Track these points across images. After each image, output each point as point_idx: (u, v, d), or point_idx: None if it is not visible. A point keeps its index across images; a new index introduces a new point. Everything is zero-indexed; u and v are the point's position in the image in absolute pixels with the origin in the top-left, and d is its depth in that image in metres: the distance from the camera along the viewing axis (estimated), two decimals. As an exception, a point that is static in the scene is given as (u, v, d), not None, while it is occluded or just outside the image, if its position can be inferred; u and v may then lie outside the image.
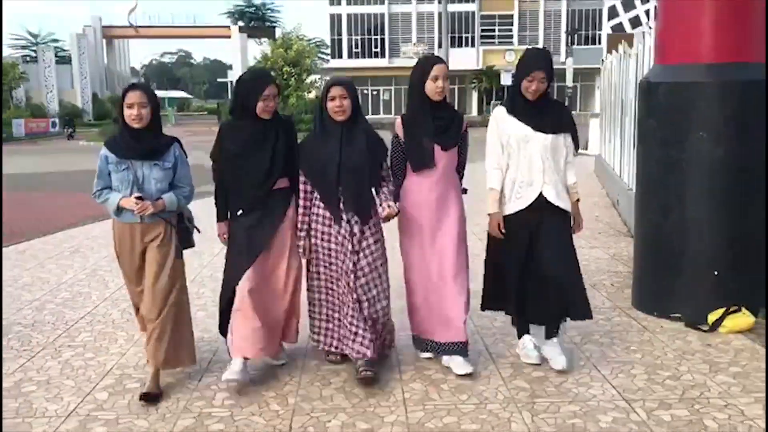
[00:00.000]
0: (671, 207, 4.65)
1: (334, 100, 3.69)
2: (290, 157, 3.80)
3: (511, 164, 3.82)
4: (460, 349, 3.85)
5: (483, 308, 4.15)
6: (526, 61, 3.73)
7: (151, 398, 3.59)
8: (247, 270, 3.70)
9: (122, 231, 3.67)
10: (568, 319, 3.99)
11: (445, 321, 3.86)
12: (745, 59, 4.54)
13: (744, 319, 4.44)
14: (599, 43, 48.28)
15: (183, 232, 3.78)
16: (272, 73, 29.72)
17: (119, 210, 3.61)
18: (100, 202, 3.72)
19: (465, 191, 4.06)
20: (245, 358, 3.73)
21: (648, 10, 55.55)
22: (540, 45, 49.65)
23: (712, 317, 4.48)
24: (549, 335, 3.91)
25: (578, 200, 3.90)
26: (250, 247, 3.72)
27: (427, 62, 3.82)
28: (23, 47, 64.97)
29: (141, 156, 3.61)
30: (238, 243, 3.77)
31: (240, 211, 3.78)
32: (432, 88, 3.76)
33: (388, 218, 3.80)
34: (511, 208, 3.84)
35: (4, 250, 7.50)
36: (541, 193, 3.77)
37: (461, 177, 4.05)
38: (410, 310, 4.06)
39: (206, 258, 6.59)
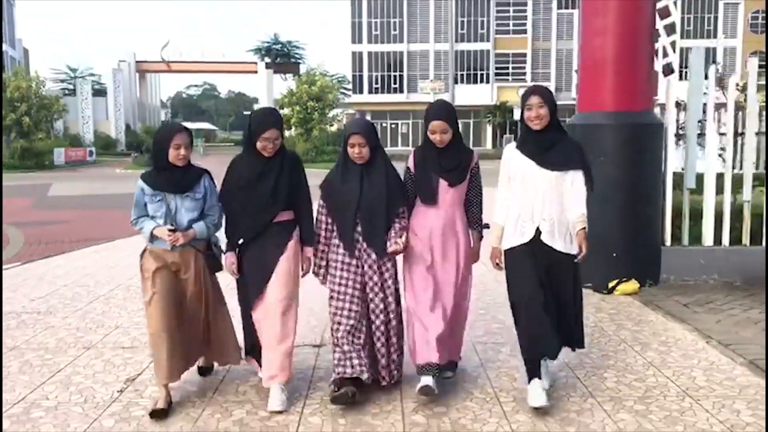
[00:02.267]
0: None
1: (354, 147, 3.83)
2: (294, 192, 3.92)
3: (516, 199, 3.86)
4: (435, 369, 3.87)
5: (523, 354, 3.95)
6: (524, 94, 3.81)
7: (204, 371, 4.26)
8: (256, 300, 3.88)
9: (155, 254, 3.87)
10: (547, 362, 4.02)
11: (428, 342, 3.88)
12: (634, 108, 6.59)
13: (631, 285, 6.44)
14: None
15: (210, 258, 3.97)
16: (290, 109, 32.33)
17: (152, 237, 3.84)
18: (137, 229, 3.96)
19: (487, 226, 4.09)
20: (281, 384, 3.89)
21: (657, 50, 57.84)
22: (552, 82, 51.87)
23: (610, 284, 6.49)
24: (532, 376, 3.82)
25: (584, 228, 3.73)
26: (257, 276, 3.89)
27: (428, 116, 3.92)
28: (62, 81, 68.32)
29: (173, 189, 3.83)
30: (248, 269, 3.95)
31: (240, 241, 3.96)
32: (432, 139, 3.90)
33: (394, 254, 3.91)
34: (511, 242, 3.88)
35: (83, 250, 9.52)
36: (538, 228, 3.80)
37: (479, 212, 4.08)
38: (412, 336, 4.03)
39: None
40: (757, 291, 6.44)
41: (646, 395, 3.99)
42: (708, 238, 6.95)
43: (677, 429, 3.55)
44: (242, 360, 4.23)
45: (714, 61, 50.71)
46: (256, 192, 3.84)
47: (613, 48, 6.55)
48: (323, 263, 4.01)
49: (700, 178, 7.02)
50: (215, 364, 4.30)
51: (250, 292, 3.91)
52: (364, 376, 3.83)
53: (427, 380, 3.83)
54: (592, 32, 6.74)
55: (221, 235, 4.06)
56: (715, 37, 51.46)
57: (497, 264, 3.99)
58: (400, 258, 4.02)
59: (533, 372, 3.79)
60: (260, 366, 4.04)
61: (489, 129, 53.64)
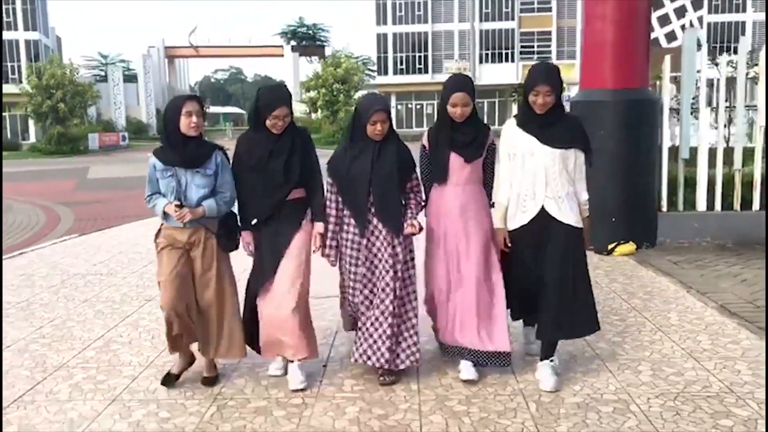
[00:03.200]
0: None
1: (376, 125, 3.73)
2: (305, 169, 3.85)
3: (516, 177, 3.78)
4: (498, 359, 3.81)
5: (513, 319, 4.17)
6: (532, 75, 3.67)
7: (210, 381, 3.94)
8: (269, 280, 3.82)
9: (168, 231, 3.82)
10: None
11: (473, 326, 3.82)
12: (632, 86, 7.20)
13: (628, 247, 7.10)
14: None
15: (222, 237, 3.85)
16: (316, 92, 33.14)
17: (165, 214, 3.77)
18: (149, 207, 3.90)
19: (492, 205, 4.01)
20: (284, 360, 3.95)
21: (683, 24, 57.44)
22: (577, 60, 51.84)
23: (609, 246, 7.15)
24: (544, 356, 3.83)
25: (588, 217, 3.81)
26: (271, 256, 3.84)
27: (448, 88, 3.81)
28: (93, 67, 69.83)
29: (184, 164, 3.73)
30: (260, 252, 3.91)
31: (254, 221, 3.88)
32: (451, 112, 3.79)
33: (410, 235, 3.82)
34: (515, 223, 3.81)
35: (131, 223, 10.37)
36: (543, 208, 3.72)
37: (489, 190, 4.03)
38: (432, 313, 4.08)
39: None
40: (746, 251, 7.06)
41: (624, 331, 4.69)
42: (701, 204, 7.57)
43: (645, 354, 4.25)
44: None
45: (743, 34, 50.40)
46: (268, 171, 3.78)
47: (612, 31, 7.15)
48: (333, 243, 3.91)
49: (695, 149, 7.64)
50: (218, 372, 4.08)
51: (263, 272, 3.86)
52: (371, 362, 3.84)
53: (468, 373, 3.81)
54: (593, 16, 7.34)
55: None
56: (744, 11, 50.96)
57: (505, 244, 3.87)
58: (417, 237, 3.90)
59: (547, 351, 3.82)
60: (258, 351, 4.05)
61: (514, 108, 53.77)
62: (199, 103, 3.73)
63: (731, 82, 7.97)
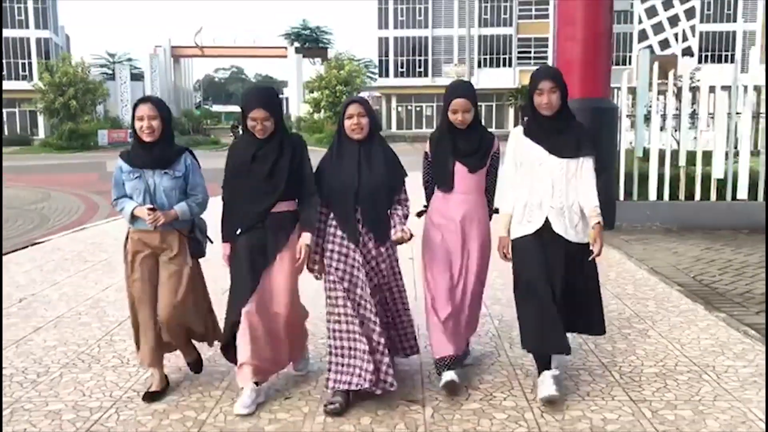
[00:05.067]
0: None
1: (352, 118, 3.57)
2: (295, 179, 3.60)
3: (524, 187, 3.68)
4: (457, 361, 3.81)
5: (524, 346, 3.77)
6: (533, 76, 3.63)
7: (157, 396, 3.71)
8: (252, 293, 3.54)
9: (137, 236, 3.67)
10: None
11: (445, 335, 3.80)
12: (595, 95, 8.72)
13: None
14: (629, 63, 51.60)
15: (193, 241, 3.74)
16: (320, 93, 34.19)
17: (133, 218, 3.63)
18: (117, 210, 3.76)
19: (496, 211, 3.90)
20: (256, 384, 3.59)
21: (677, 33, 59.33)
22: (572, 66, 53.39)
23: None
24: (542, 368, 3.68)
25: (599, 223, 3.59)
26: (253, 269, 3.56)
27: (448, 94, 3.72)
28: (102, 66, 71.21)
29: (151, 165, 3.61)
30: (240, 265, 3.60)
31: (238, 231, 3.63)
32: (452, 119, 3.71)
33: (399, 242, 3.63)
34: (520, 231, 3.69)
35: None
36: (547, 219, 3.60)
37: (491, 197, 3.93)
38: (430, 329, 3.90)
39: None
40: (686, 233, 8.62)
41: (572, 283, 6.21)
42: (652, 194, 9.11)
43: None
44: (215, 347, 4.06)
45: (733, 43, 52.07)
46: (251, 176, 3.57)
47: (579, 50, 8.69)
48: (317, 257, 3.71)
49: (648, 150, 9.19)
50: (202, 360, 4.04)
51: (243, 286, 3.57)
52: (365, 385, 3.51)
53: (449, 375, 3.71)
54: (564, 37, 8.89)
55: (208, 220, 3.90)
56: (735, 21, 52.56)
57: (505, 255, 3.78)
58: (402, 247, 3.79)
59: (543, 366, 3.67)
60: (236, 362, 3.67)
61: (511, 112, 55.30)
62: (154, 105, 3.59)
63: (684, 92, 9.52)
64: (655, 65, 9.26)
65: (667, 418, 3.42)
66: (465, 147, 3.78)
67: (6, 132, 47.90)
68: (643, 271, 6.65)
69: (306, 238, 3.61)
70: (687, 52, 56.53)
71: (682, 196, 9.15)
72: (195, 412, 3.57)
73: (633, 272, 6.59)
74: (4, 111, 50.37)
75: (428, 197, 3.96)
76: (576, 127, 3.70)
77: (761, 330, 4.79)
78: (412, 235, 3.63)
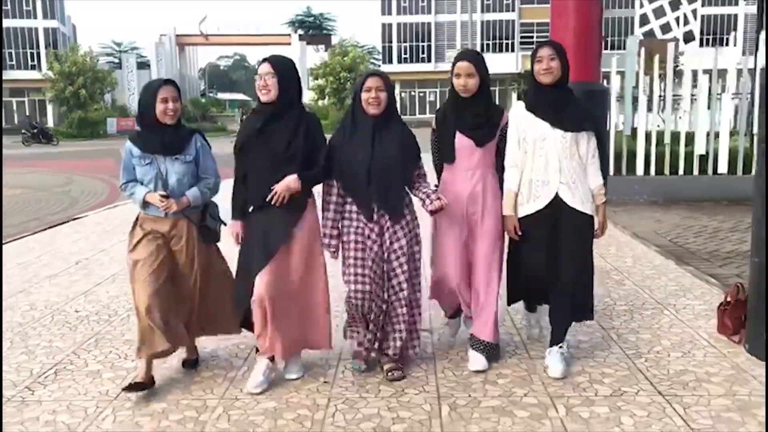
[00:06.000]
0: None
1: (370, 91, 3.47)
2: (310, 158, 3.52)
3: (528, 163, 3.64)
4: (487, 349, 3.75)
5: (509, 303, 4.02)
6: (535, 49, 3.62)
7: (190, 363, 3.82)
8: (265, 268, 3.44)
9: (147, 222, 3.63)
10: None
11: (478, 310, 3.78)
12: (587, 79, 9.46)
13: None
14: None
15: (204, 229, 3.67)
16: (324, 80, 35.01)
17: (145, 204, 3.59)
18: (126, 195, 3.71)
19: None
20: (271, 360, 3.59)
21: (678, 17, 59.70)
22: (574, 50, 53.87)
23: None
24: (554, 342, 3.74)
25: (604, 202, 3.69)
26: (266, 245, 3.46)
27: (455, 60, 3.66)
28: (108, 54, 71.87)
29: (163, 151, 3.57)
30: (252, 241, 3.53)
31: (251, 208, 3.57)
32: (456, 84, 3.63)
33: (436, 211, 3.55)
34: (527, 209, 3.66)
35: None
36: (557, 194, 3.58)
37: (502, 174, 3.78)
38: (436, 289, 3.95)
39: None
40: (670, 205, 9.40)
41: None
42: (640, 170, 9.88)
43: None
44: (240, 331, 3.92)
45: (735, 29, 52.49)
46: (268, 148, 3.47)
47: (573, 38, 9.40)
48: (335, 233, 3.63)
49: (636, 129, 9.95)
50: (198, 357, 3.93)
51: (255, 263, 3.48)
52: (372, 355, 3.70)
53: (478, 359, 3.74)
54: (557, 28, 9.61)
55: (220, 203, 3.81)
56: (736, 4, 52.96)
57: (516, 233, 3.71)
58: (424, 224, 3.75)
59: (558, 337, 3.74)
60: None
61: (514, 96, 55.77)
62: (175, 88, 3.58)
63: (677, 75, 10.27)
64: (642, 50, 9.99)
65: (629, 339, 4.23)
66: (471, 118, 3.68)
67: (15, 121, 48.69)
68: (627, 235, 7.43)
69: (292, 179, 3.44)
70: (688, 35, 57.18)
71: (667, 171, 9.91)
72: (196, 412, 3.34)
73: (617, 237, 7.37)
74: (14, 100, 51.29)
75: (438, 173, 3.89)
76: (576, 101, 3.71)
77: (721, 278, 5.60)
78: (446, 203, 3.56)
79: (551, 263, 3.64)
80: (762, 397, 3.39)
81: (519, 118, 3.68)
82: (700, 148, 9.78)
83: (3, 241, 7.64)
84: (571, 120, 3.59)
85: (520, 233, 3.69)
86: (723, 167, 9.74)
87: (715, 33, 53.59)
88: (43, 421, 3.29)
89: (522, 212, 3.70)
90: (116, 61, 66.11)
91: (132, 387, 3.46)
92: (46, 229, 8.68)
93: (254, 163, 3.52)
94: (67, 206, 11.92)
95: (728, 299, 4.28)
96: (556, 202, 3.60)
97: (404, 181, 3.61)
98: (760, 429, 3.08)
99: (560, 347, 3.75)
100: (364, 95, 3.51)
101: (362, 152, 3.51)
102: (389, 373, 3.62)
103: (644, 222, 8.25)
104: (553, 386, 3.55)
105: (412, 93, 55.84)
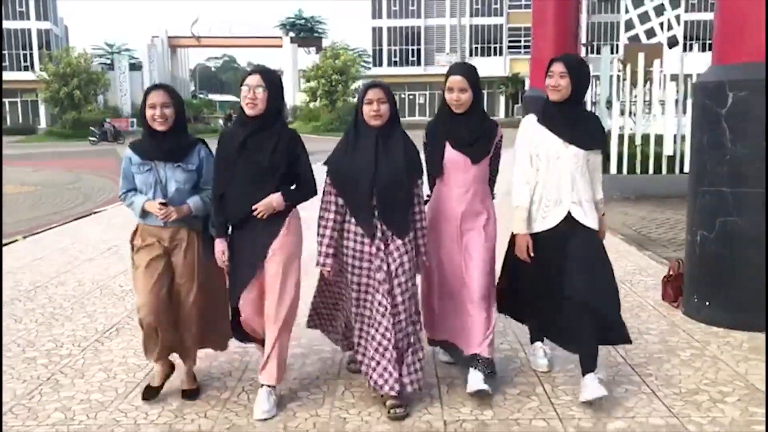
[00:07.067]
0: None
1: (372, 103, 3.35)
2: (290, 171, 3.43)
3: (539, 180, 3.54)
4: (483, 364, 3.50)
5: (499, 311, 3.81)
6: (549, 61, 3.57)
7: (190, 394, 3.62)
8: (244, 292, 3.42)
9: (147, 231, 3.53)
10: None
11: (468, 333, 3.58)
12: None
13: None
14: (617, 52, 53.05)
15: (207, 241, 3.54)
16: (316, 82, 35.89)
17: (144, 213, 3.48)
18: (126, 205, 3.62)
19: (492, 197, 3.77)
20: (271, 387, 3.48)
21: (662, 23, 60.97)
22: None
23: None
24: (586, 370, 3.41)
25: (603, 214, 3.69)
26: (250, 263, 3.41)
27: (447, 74, 3.58)
28: (100, 56, 72.34)
29: (163, 157, 3.45)
30: (238, 259, 3.46)
31: (229, 228, 3.48)
32: (448, 99, 3.56)
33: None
34: (535, 228, 3.57)
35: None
36: (569, 213, 3.49)
37: (493, 185, 3.75)
38: (427, 313, 3.80)
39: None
40: (640, 201, 10.35)
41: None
42: (613, 169, 10.81)
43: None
44: (227, 347, 3.91)
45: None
46: (248, 162, 3.37)
47: (551, 46, 10.32)
48: (330, 251, 3.45)
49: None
50: (199, 388, 3.74)
51: (238, 286, 3.47)
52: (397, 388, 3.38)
53: (477, 379, 3.48)
54: (538, 36, 10.54)
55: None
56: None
57: (528, 255, 3.59)
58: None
59: (589, 364, 3.43)
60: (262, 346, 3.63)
61: (502, 99, 56.89)
62: (167, 93, 3.44)
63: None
64: (615, 59, 10.92)
65: (589, 305, 5.11)
66: (466, 135, 3.57)
67: (8, 122, 49.22)
68: (597, 226, 8.33)
69: (276, 197, 3.37)
70: (672, 40, 58.31)
71: (638, 170, 10.85)
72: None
73: (589, 227, 8.27)
74: (6, 101, 51.76)
75: (431, 187, 3.75)
76: (588, 116, 3.68)
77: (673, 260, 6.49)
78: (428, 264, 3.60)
79: (555, 284, 3.50)
80: (687, 343, 4.30)
81: (530, 131, 3.59)
82: (668, 150, 10.71)
83: (23, 236, 8.26)
84: (584, 137, 3.52)
85: (532, 254, 3.57)
86: (688, 167, 10.68)
87: (699, 38, 54.88)
88: (117, 362, 4.16)
89: (532, 230, 3.60)
90: (108, 62, 66.58)
91: (147, 391, 3.60)
92: (71, 221, 9.50)
93: (235, 177, 3.39)
94: (83, 201, 12.72)
95: (671, 272, 5.20)
96: (567, 221, 3.51)
97: (410, 197, 3.45)
98: (681, 366, 3.97)
99: (597, 374, 3.41)
100: (365, 108, 3.40)
101: (365, 164, 3.37)
102: (391, 411, 3.38)
103: (614, 215, 9.16)
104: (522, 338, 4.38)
105: (402, 96, 56.66)
